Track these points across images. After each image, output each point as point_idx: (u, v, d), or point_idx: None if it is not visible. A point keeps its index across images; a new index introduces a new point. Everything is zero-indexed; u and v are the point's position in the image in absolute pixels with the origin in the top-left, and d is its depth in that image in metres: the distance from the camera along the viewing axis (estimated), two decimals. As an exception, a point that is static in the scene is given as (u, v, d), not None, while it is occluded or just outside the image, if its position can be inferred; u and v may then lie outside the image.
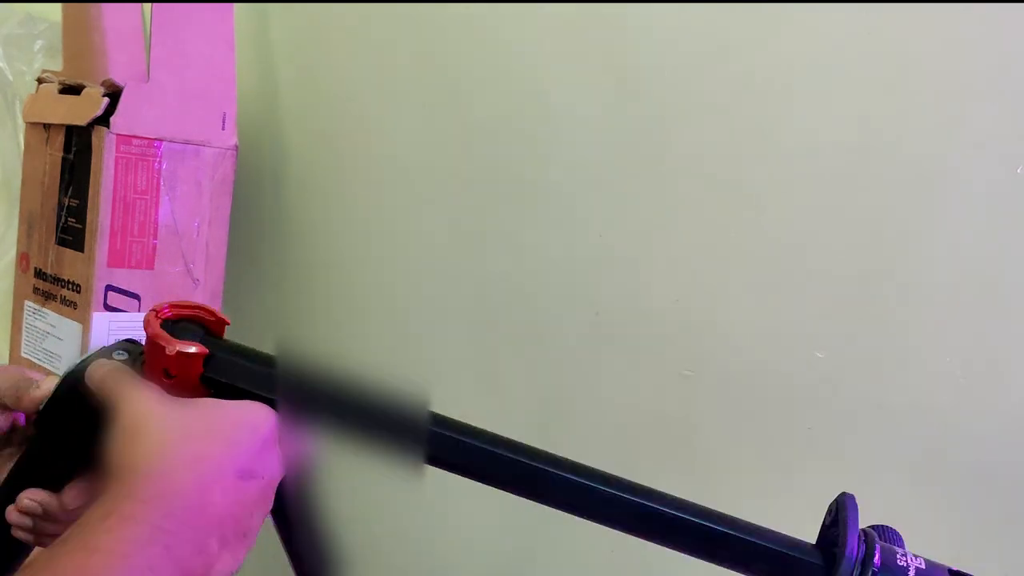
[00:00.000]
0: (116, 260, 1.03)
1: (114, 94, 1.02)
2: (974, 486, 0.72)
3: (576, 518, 0.53)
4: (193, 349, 0.53)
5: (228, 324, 0.57)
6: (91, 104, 1.03)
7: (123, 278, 1.04)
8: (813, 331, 0.79)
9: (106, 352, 0.56)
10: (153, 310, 0.55)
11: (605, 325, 0.92)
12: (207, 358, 0.54)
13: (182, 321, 0.56)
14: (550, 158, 0.95)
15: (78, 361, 0.57)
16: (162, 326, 0.54)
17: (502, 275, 1.00)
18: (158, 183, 1.05)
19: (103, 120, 1.02)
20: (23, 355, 1.14)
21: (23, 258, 1.15)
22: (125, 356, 0.56)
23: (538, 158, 0.96)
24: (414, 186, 1.08)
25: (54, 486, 0.56)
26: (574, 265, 0.94)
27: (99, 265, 1.02)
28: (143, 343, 0.56)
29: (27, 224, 1.15)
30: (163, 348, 0.53)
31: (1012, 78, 0.69)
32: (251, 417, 0.52)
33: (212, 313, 0.56)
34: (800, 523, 0.80)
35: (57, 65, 1.18)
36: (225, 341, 0.56)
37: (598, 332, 0.92)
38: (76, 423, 0.55)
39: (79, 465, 0.56)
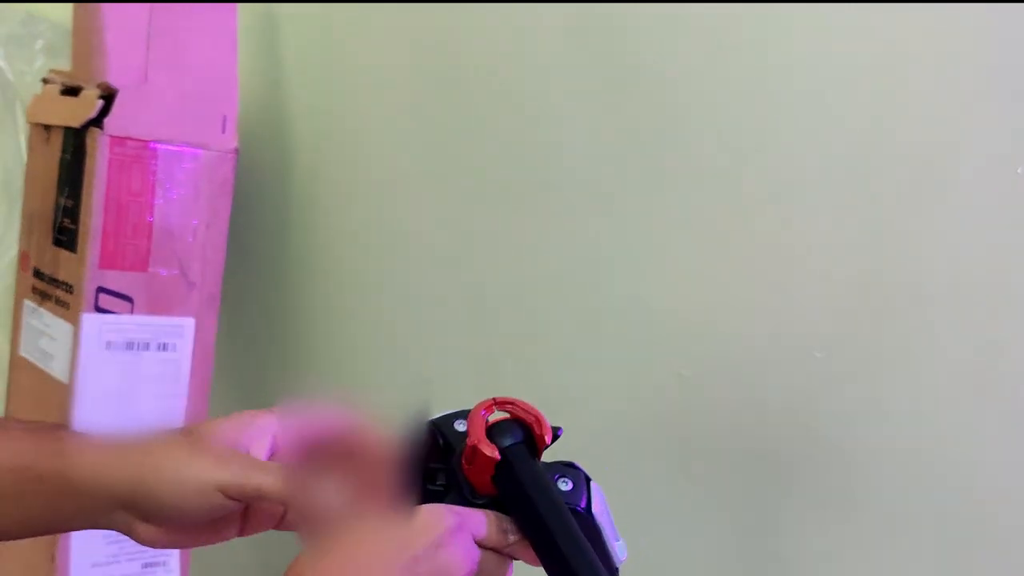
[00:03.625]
0: (108, 262, 1.03)
1: (109, 96, 1.02)
2: (976, 486, 0.71)
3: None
4: (488, 451, 0.55)
5: (548, 443, 0.57)
6: (86, 106, 1.03)
7: (115, 280, 1.04)
8: (813, 331, 0.78)
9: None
10: (492, 401, 0.58)
11: (604, 325, 0.91)
12: (499, 463, 0.55)
13: (512, 423, 0.58)
14: (550, 158, 0.95)
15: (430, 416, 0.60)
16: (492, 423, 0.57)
17: (501, 275, 1.00)
18: (153, 185, 1.05)
19: (98, 122, 1.02)
20: (21, 354, 1.14)
21: (24, 257, 1.16)
22: (463, 426, 0.59)
23: (538, 158, 0.96)
24: (415, 188, 1.08)
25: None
26: (573, 265, 0.94)
27: (90, 266, 1.02)
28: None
29: (28, 224, 1.15)
30: (467, 438, 0.56)
31: (1012, 78, 0.68)
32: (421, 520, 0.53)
33: (541, 425, 0.57)
34: (799, 523, 0.80)
35: (58, 64, 1.18)
36: (526, 457, 0.56)
37: (597, 332, 0.92)
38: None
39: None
